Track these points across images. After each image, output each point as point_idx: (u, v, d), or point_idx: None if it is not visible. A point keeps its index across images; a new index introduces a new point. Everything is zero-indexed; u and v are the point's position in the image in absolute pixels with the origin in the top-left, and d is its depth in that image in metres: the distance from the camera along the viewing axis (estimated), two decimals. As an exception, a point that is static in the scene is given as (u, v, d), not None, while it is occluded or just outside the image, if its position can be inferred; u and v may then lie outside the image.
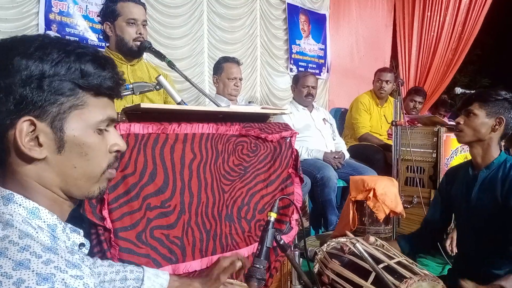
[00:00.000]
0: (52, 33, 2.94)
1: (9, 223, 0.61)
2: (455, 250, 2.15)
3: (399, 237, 1.94)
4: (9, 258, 0.55)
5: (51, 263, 0.56)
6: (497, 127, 1.63)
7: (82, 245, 0.72)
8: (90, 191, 0.72)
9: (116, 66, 0.73)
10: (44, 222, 0.66)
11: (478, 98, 1.66)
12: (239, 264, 1.17)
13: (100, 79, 0.68)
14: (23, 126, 0.63)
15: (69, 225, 0.71)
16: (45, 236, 0.64)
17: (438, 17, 5.10)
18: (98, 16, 2.08)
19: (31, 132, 0.64)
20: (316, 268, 1.56)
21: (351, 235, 1.75)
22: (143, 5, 2.05)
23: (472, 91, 2.12)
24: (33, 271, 0.54)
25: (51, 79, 0.64)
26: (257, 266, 1.14)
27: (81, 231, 0.73)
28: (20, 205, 0.65)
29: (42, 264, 0.56)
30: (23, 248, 0.57)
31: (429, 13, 5.15)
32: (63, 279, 0.56)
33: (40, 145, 0.65)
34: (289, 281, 1.66)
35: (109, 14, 1.98)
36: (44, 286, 0.54)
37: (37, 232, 0.63)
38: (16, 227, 0.60)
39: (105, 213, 1.20)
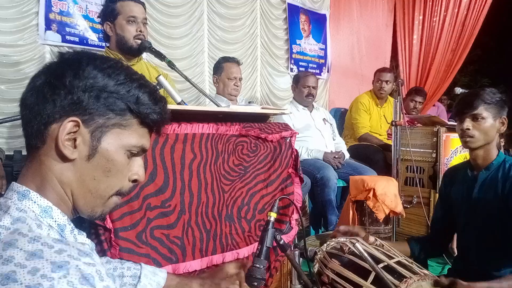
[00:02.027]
0: (52, 33, 2.95)
1: (20, 219, 0.63)
2: (455, 250, 2.15)
3: (411, 239, 1.88)
4: (21, 249, 0.56)
5: (64, 252, 0.58)
6: (502, 127, 1.63)
7: None
8: (94, 209, 0.75)
9: (167, 106, 0.78)
10: (55, 221, 0.68)
11: (483, 101, 1.61)
12: (243, 274, 1.16)
13: (149, 110, 0.74)
14: (69, 125, 0.68)
15: (75, 228, 0.73)
16: (54, 234, 0.66)
17: (438, 17, 5.10)
18: (98, 17, 2.09)
19: (73, 132, 0.68)
20: (315, 268, 1.56)
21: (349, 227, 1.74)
22: (142, 4, 2.06)
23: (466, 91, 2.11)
24: (47, 260, 0.56)
25: (110, 94, 0.71)
26: (257, 266, 1.14)
27: (84, 233, 0.75)
28: (34, 202, 0.67)
29: (55, 253, 0.57)
30: (34, 239, 0.58)
31: (429, 13, 5.15)
32: (77, 266, 0.57)
33: (75, 146, 0.69)
34: (289, 281, 1.66)
35: (109, 13, 1.99)
36: (59, 273, 0.55)
37: (48, 230, 0.65)
38: (27, 223, 0.62)
39: (105, 213, 1.20)
